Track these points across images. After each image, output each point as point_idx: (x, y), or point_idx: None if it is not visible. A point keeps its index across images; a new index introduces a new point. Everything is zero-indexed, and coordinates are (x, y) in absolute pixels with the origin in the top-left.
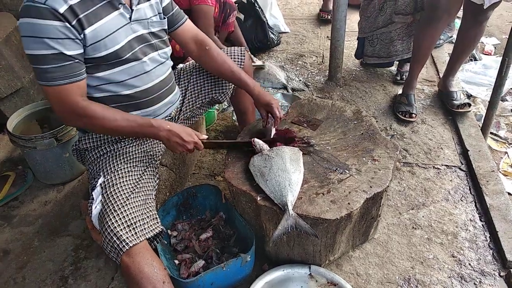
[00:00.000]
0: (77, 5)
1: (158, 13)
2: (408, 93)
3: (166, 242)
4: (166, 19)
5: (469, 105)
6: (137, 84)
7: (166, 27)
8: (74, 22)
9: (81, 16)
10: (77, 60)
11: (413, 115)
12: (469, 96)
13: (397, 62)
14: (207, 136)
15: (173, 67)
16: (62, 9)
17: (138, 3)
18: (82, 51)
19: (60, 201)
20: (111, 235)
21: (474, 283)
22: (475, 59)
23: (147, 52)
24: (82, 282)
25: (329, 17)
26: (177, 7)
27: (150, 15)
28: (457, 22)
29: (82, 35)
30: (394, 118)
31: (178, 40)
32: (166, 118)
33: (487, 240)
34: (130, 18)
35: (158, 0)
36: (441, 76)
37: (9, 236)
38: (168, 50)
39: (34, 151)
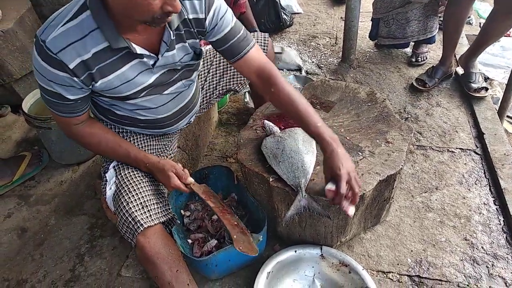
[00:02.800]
0: (91, 59)
1: (192, 49)
2: (438, 67)
3: (179, 222)
4: (201, 54)
5: (486, 89)
6: (151, 115)
7: (198, 65)
8: (83, 77)
9: (94, 70)
10: (79, 101)
11: (427, 85)
12: (486, 78)
13: (413, 44)
14: (193, 180)
15: None
16: (73, 65)
17: (168, 50)
18: (88, 93)
19: (75, 181)
20: (126, 215)
21: (487, 266)
22: None
23: (169, 85)
24: (98, 259)
25: None
26: (243, 31)
27: (181, 56)
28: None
29: (91, 86)
30: (409, 100)
31: (239, 70)
32: (186, 124)
33: (500, 224)
34: (153, 64)
35: (196, 41)
36: (457, 58)
37: (26, 215)
38: (195, 74)
39: (50, 132)
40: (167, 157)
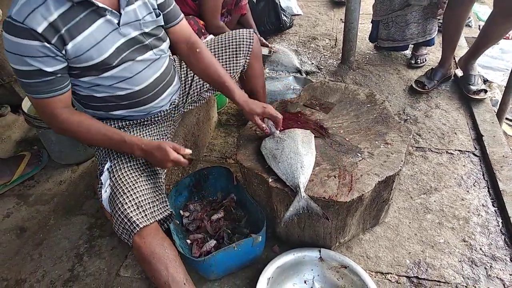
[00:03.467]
0: (58, 20)
1: (153, 9)
2: (437, 69)
3: (178, 222)
4: (161, 16)
5: (485, 91)
6: (129, 86)
7: (162, 23)
8: (54, 40)
9: (62, 31)
10: (59, 75)
11: (426, 87)
12: (485, 81)
13: (412, 46)
14: (190, 151)
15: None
16: (41, 28)
17: (128, 4)
18: (64, 65)
19: (74, 181)
20: (122, 217)
21: (485, 268)
22: None
23: (140, 53)
24: (97, 259)
25: None
26: (174, 3)
27: (143, 14)
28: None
29: (63, 51)
30: (408, 102)
31: (170, 38)
32: (170, 106)
33: (499, 226)
34: (118, 23)
35: None
36: (456, 61)
37: (25, 214)
38: (165, 45)
39: (49, 132)
40: None
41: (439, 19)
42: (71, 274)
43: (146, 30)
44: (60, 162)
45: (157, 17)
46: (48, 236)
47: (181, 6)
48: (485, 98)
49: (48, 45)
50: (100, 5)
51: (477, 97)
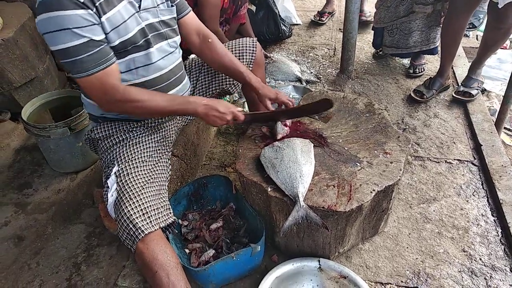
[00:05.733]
0: None
1: (166, 0)
2: (436, 78)
3: (177, 231)
4: (174, 6)
5: (470, 95)
6: (143, 74)
7: (175, 15)
8: (94, 10)
9: (97, 3)
10: (105, 44)
11: (424, 96)
12: (483, 90)
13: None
14: (242, 109)
15: (184, 58)
16: None
17: None
18: (105, 36)
19: (73, 189)
20: (127, 222)
21: (485, 278)
22: None
23: (156, 41)
24: (95, 268)
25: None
26: None
27: (158, 2)
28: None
29: (101, 22)
30: (407, 111)
31: (181, 31)
32: None
33: (498, 235)
34: (139, 6)
35: None
36: (454, 70)
37: (23, 223)
38: (178, 39)
39: (48, 140)
40: (167, 152)
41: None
42: (68, 284)
43: (163, 18)
44: (58, 170)
45: (169, 7)
46: (46, 245)
47: None
48: (468, 100)
49: (91, 12)
50: None
51: (459, 96)
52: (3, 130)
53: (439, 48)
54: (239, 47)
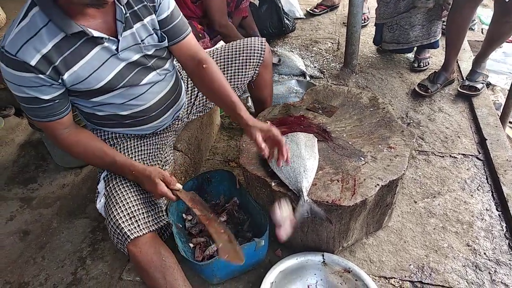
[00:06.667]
0: (52, 51)
1: (154, 30)
2: (440, 72)
3: (181, 226)
4: (164, 36)
5: (476, 89)
6: (133, 106)
7: (166, 44)
8: (48, 72)
9: (57, 63)
10: (57, 101)
11: (429, 90)
12: (488, 84)
13: (415, 49)
14: (181, 186)
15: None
16: (34, 61)
17: (125, 29)
18: (61, 91)
19: (77, 184)
20: (115, 227)
21: (489, 272)
22: None
23: (143, 75)
24: (100, 262)
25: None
26: (181, 17)
27: (143, 37)
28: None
29: (60, 80)
30: (411, 106)
31: (175, 54)
32: (173, 120)
33: (503, 230)
34: (117, 49)
35: (153, 16)
36: (459, 64)
37: (29, 218)
38: (169, 63)
39: None
40: (161, 161)
41: (443, 21)
42: (74, 278)
43: (148, 53)
44: (63, 165)
45: (159, 39)
46: (51, 239)
47: (180, 8)
48: (472, 95)
49: (42, 76)
50: (96, 34)
51: (463, 91)
52: (8, 125)
53: (440, 42)
54: (247, 48)
